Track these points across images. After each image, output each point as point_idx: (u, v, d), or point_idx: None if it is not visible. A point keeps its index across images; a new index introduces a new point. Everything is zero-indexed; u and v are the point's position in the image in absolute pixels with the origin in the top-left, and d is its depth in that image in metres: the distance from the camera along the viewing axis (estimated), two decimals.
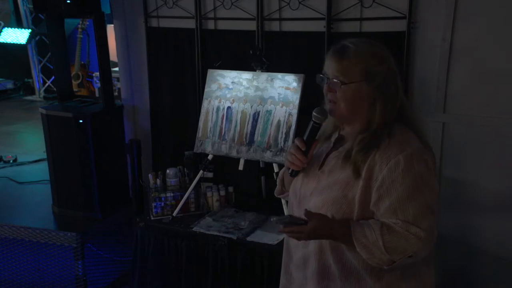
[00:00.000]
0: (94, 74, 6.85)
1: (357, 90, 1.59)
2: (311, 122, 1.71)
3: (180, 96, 3.66)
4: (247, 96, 3.01)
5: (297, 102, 2.84)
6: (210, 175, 3.14)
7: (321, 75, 1.64)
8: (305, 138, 1.71)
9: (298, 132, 2.78)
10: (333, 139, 1.74)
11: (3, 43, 7.37)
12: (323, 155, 1.71)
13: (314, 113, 1.70)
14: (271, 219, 1.64)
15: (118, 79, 4.67)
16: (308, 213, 1.59)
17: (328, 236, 1.59)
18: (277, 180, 1.93)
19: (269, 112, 2.94)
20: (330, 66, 1.62)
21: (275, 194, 1.99)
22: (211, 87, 3.11)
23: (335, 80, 1.60)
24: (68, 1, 3.25)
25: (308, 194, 1.69)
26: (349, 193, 1.58)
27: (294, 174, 1.76)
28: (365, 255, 1.54)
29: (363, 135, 1.60)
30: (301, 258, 1.73)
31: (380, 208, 1.55)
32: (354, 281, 1.61)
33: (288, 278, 1.80)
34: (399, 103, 1.61)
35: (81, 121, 3.37)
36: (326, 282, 1.65)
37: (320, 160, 1.71)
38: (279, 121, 2.90)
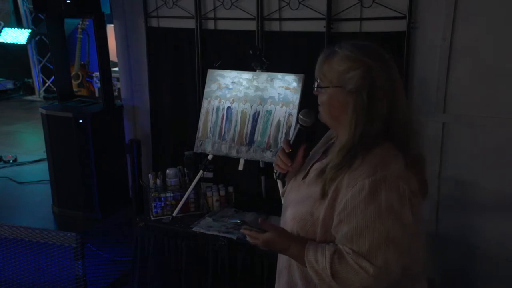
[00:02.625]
0: (94, 74, 6.86)
1: (332, 95, 1.51)
2: (297, 125, 1.67)
3: (180, 96, 3.66)
4: (247, 96, 3.01)
5: (297, 102, 2.84)
6: (210, 175, 3.14)
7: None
8: (291, 141, 1.67)
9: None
10: (325, 147, 1.69)
11: (3, 43, 7.38)
12: (310, 164, 1.66)
13: (300, 116, 1.67)
14: (230, 220, 1.63)
15: (118, 79, 4.67)
16: (263, 223, 1.57)
17: (283, 251, 1.56)
18: (286, 180, 1.86)
19: (269, 112, 2.94)
20: (316, 68, 1.57)
21: (282, 195, 1.94)
22: (211, 87, 3.11)
23: (316, 82, 1.56)
24: (68, 1, 3.25)
25: (289, 203, 1.66)
26: (315, 212, 1.51)
27: (280, 176, 1.72)
28: (315, 279, 1.48)
29: (337, 149, 1.50)
30: (280, 266, 1.72)
31: (338, 233, 1.46)
32: None
33: (278, 280, 1.79)
34: (384, 117, 1.47)
35: (81, 121, 3.38)
36: None
37: (307, 169, 1.65)
38: (279, 121, 2.90)
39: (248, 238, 1.59)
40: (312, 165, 1.64)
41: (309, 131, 1.69)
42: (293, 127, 2.83)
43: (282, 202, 2.76)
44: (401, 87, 1.54)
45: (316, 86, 1.56)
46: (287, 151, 1.66)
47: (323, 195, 1.49)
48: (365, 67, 1.47)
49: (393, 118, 1.49)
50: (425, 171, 1.55)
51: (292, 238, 1.54)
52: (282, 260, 1.68)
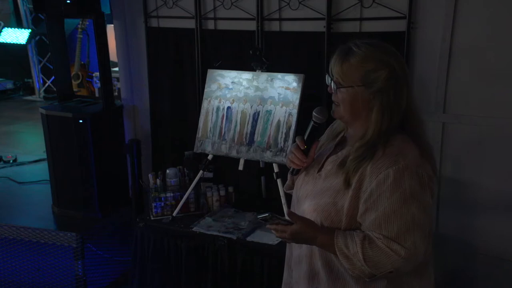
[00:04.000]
0: (94, 74, 6.86)
1: (355, 95, 1.56)
2: (311, 122, 1.71)
3: (180, 96, 3.66)
4: (247, 96, 3.01)
5: (297, 102, 2.84)
6: (210, 175, 3.15)
7: (328, 74, 1.62)
8: (305, 137, 1.70)
9: (298, 132, 2.78)
10: (337, 140, 1.73)
11: (3, 43, 7.37)
12: (324, 157, 1.70)
13: (314, 113, 1.70)
14: (257, 216, 1.64)
15: (118, 79, 4.67)
16: (291, 214, 1.60)
17: (311, 241, 1.59)
18: (288, 175, 1.89)
19: (269, 112, 2.94)
20: (332, 67, 1.60)
21: (284, 189, 1.96)
22: (211, 87, 3.11)
23: (334, 81, 1.59)
24: (68, 1, 3.25)
25: (304, 196, 1.69)
26: (339, 201, 1.56)
27: (294, 172, 1.76)
28: (346, 265, 1.53)
29: (360, 143, 1.56)
30: (297, 257, 1.74)
31: (366, 220, 1.53)
32: (341, 287, 1.60)
33: (290, 273, 1.81)
34: (402, 111, 1.56)
35: (81, 121, 3.37)
36: (315, 286, 1.66)
37: (321, 162, 1.70)
38: (279, 121, 2.90)
39: (274, 233, 1.62)
40: (326, 159, 1.68)
41: (321, 128, 1.72)
42: (293, 127, 2.83)
43: (282, 201, 2.78)
44: (411, 81, 1.61)
45: (336, 86, 1.59)
46: (302, 148, 1.69)
47: (347, 185, 1.55)
48: (390, 67, 1.53)
49: (408, 111, 1.57)
50: (434, 157, 1.63)
51: (319, 228, 1.58)
52: (301, 250, 1.70)
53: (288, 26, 3.25)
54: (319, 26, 3.10)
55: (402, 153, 1.52)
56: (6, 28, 7.45)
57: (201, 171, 3.07)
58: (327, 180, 1.62)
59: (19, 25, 7.68)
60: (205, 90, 3.13)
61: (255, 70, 3.01)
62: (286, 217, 1.60)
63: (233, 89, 3.05)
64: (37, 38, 7.56)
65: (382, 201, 1.49)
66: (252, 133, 2.97)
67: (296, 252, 1.74)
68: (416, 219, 1.49)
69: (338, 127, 1.76)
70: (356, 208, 1.54)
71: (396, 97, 1.54)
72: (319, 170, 1.68)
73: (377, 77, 1.53)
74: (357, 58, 1.54)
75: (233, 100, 3.05)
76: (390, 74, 1.53)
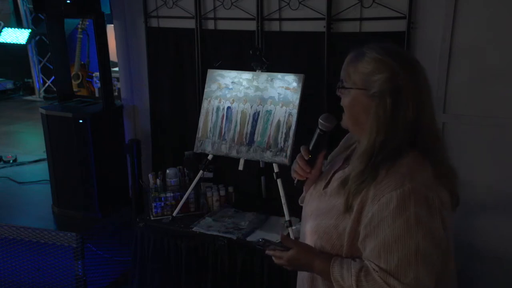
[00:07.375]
0: (94, 74, 6.86)
1: (355, 98, 1.45)
2: (317, 130, 1.60)
3: (180, 96, 3.66)
4: (247, 96, 3.01)
5: (297, 102, 2.84)
6: (210, 175, 3.14)
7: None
8: (310, 147, 1.60)
9: (299, 132, 2.78)
10: (347, 153, 1.61)
11: (3, 43, 7.37)
12: (331, 172, 1.58)
13: (320, 120, 1.60)
14: (256, 245, 1.57)
15: (118, 79, 4.68)
16: (285, 239, 1.52)
17: (307, 269, 1.50)
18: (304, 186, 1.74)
19: (269, 112, 2.94)
20: (342, 69, 1.50)
21: (299, 202, 1.80)
22: (211, 87, 3.11)
23: (339, 83, 1.50)
24: (68, 1, 3.25)
25: (309, 214, 1.58)
26: (341, 224, 1.43)
27: (298, 184, 1.65)
28: None
29: (359, 158, 1.42)
30: (301, 280, 1.66)
31: (366, 248, 1.38)
32: None
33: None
34: (407, 125, 1.39)
35: (81, 121, 3.37)
36: None
37: (327, 177, 1.58)
38: (279, 121, 2.90)
39: (273, 259, 1.54)
40: (334, 174, 1.57)
41: (328, 136, 1.61)
42: (293, 127, 2.83)
43: (282, 201, 2.78)
44: (429, 95, 1.46)
45: (338, 86, 1.49)
46: (306, 158, 1.59)
47: (347, 208, 1.42)
48: (391, 71, 1.40)
49: (420, 126, 1.42)
50: (457, 183, 1.47)
51: (316, 254, 1.48)
52: (304, 273, 1.61)
53: (288, 26, 3.25)
54: (319, 26, 3.10)
55: (410, 174, 1.36)
56: (6, 28, 7.45)
57: (201, 171, 3.07)
58: (331, 199, 1.49)
59: (19, 25, 7.68)
60: (205, 90, 3.13)
61: (255, 70, 3.01)
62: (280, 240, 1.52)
63: (233, 89, 3.05)
64: (37, 38, 7.56)
65: (383, 228, 1.34)
66: (252, 133, 2.97)
67: (300, 275, 1.66)
68: (421, 251, 1.32)
69: (353, 138, 1.62)
70: (357, 233, 1.40)
71: (397, 106, 1.38)
72: (325, 186, 1.56)
73: (377, 79, 1.40)
74: (364, 60, 1.43)
75: (233, 100, 3.05)
76: (390, 79, 1.39)
